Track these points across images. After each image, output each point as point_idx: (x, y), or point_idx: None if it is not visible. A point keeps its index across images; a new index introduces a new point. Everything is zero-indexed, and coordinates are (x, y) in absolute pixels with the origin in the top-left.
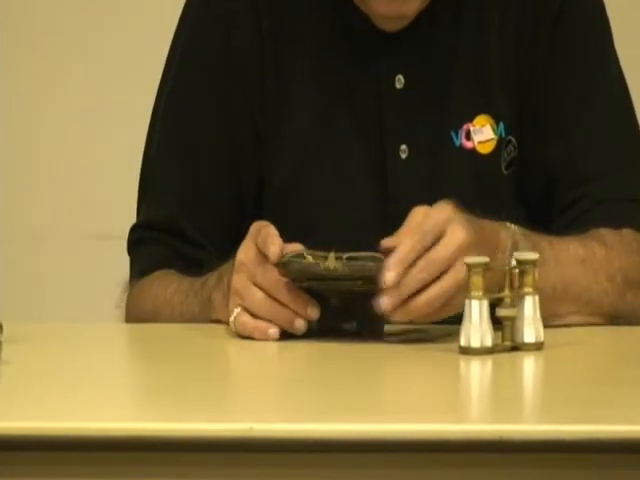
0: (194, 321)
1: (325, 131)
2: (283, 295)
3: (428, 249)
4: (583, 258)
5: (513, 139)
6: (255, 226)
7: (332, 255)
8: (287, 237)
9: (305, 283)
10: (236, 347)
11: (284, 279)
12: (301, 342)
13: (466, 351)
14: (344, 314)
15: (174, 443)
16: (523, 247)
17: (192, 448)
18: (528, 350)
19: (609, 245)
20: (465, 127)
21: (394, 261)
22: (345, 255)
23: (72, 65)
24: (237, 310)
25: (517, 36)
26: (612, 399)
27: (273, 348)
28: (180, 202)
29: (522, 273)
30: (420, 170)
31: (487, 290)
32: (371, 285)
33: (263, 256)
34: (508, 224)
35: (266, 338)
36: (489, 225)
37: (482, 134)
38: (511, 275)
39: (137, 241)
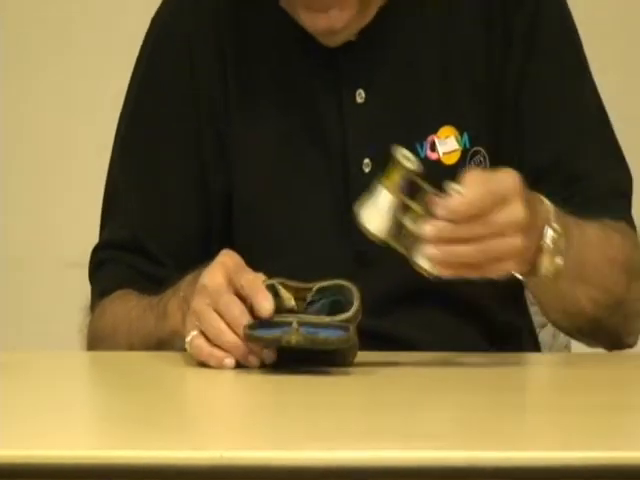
0: (150, 337)
1: (288, 147)
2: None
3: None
4: (601, 244)
5: (482, 150)
6: (228, 257)
7: (295, 326)
8: (255, 253)
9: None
10: (202, 375)
11: (246, 314)
12: (269, 369)
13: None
14: (314, 355)
15: (143, 471)
16: (557, 228)
17: (161, 476)
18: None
19: (622, 233)
20: (430, 138)
21: (454, 205)
22: (315, 286)
23: (55, 93)
24: (194, 333)
25: (487, 45)
26: (590, 426)
27: (240, 376)
28: (143, 220)
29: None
30: None
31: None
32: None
33: (228, 286)
34: (542, 198)
35: (221, 367)
36: (532, 198)
37: (446, 145)
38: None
39: (98, 263)
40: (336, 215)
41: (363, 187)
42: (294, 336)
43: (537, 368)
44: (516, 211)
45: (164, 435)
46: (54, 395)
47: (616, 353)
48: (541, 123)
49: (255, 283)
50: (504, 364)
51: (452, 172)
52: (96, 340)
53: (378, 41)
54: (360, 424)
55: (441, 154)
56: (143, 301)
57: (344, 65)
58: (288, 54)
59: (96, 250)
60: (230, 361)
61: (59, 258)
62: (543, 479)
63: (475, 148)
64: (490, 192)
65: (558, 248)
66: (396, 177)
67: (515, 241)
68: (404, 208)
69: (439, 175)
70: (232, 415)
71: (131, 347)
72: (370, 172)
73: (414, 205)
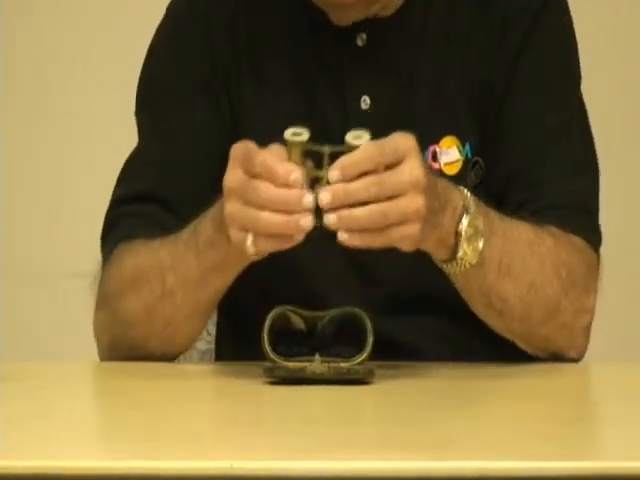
0: (190, 273)
1: None
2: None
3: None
4: (531, 241)
5: (480, 160)
6: (238, 149)
7: (318, 358)
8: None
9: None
10: (212, 387)
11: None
12: (279, 384)
13: None
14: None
15: None
16: (474, 212)
17: None
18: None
19: (557, 238)
20: (431, 149)
21: (344, 161)
22: (327, 315)
23: (61, 117)
24: (250, 237)
25: (482, 53)
26: (572, 436)
27: (250, 387)
28: (160, 172)
29: None
30: None
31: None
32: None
33: (250, 178)
34: (461, 188)
35: (300, 231)
36: (442, 182)
37: (448, 155)
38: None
39: (115, 218)
40: None
41: None
42: (318, 367)
43: (541, 378)
44: (412, 169)
45: (174, 445)
46: (60, 406)
47: (627, 364)
48: (514, 137)
49: (271, 161)
50: (515, 375)
51: (454, 183)
52: (114, 289)
53: (384, 50)
54: (371, 435)
55: (442, 164)
56: (168, 239)
57: (350, 70)
58: (298, 47)
59: (109, 211)
60: (306, 220)
61: (59, 269)
62: None
63: (475, 158)
64: (382, 148)
65: (477, 231)
66: (295, 157)
67: (415, 201)
68: (317, 181)
69: None
70: (242, 426)
71: (164, 289)
72: None
73: (321, 172)
